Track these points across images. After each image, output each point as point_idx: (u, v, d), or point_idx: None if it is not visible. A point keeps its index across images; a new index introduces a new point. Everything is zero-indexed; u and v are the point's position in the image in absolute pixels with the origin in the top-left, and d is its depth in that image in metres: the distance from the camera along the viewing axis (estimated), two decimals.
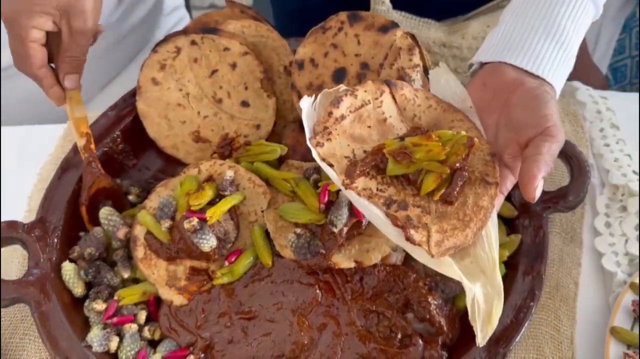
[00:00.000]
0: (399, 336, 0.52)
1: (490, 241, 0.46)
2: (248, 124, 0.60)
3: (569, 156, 0.56)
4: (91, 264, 0.53)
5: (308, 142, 0.46)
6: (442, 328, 0.51)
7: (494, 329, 0.44)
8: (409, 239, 0.43)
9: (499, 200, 0.47)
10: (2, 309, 0.56)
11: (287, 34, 0.62)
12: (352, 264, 0.52)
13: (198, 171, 0.56)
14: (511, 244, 0.55)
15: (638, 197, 0.61)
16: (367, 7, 0.67)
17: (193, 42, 0.58)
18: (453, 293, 0.54)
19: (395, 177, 0.46)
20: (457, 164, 0.45)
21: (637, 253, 0.59)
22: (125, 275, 0.54)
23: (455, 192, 0.45)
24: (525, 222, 0.56)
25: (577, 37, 0.50)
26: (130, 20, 0.85)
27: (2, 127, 0.69)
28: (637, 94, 0.72)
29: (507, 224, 0.56)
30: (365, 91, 0.49)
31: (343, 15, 0.57)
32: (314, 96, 0.49)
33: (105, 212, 0.56)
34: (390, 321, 0.52)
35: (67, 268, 0.53)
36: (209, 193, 0.53)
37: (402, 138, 0.47)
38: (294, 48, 0.60)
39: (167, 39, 0.59)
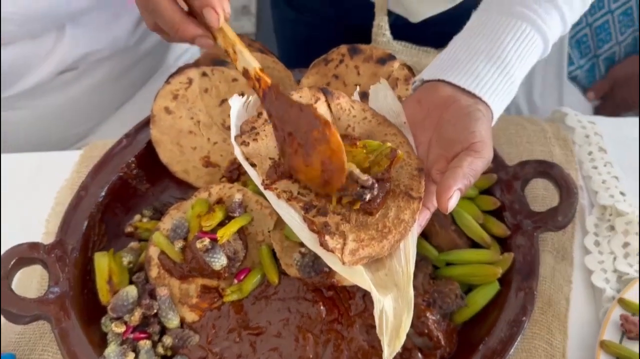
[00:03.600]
0: (400, 350, 0.55)
1: (408, 255, 0.46)
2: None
3: (558, 178, 0.60)
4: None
5: (232, 140, 0.47)
6: (439, 342, 0.54)
7: (402, 344, 0.43)
8: (322, 244, 0.44)
9: (424, 215, 0.47)
10: (22, 327, 0.59)
11: (292, 65, 0.66)
12: (354, 282, 0.55)
13: (208, 194, 0.59)
14: (504, 262, 0.58)
15: (624, 217, 0.64)
16: (368, 38, 0.71)
17: (204, 74, 0.63)
18: (450, 309, 0.56)
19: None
20: (379, 175, 0.46)
21: (625, 270, 0.62)
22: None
23: (376, 204, 0.45)
24: (517, 241, 0.59)
25: (520, 68, 0.51)
26: (145, 45, 0.89)
27: (19, 154, 0.72)
28: (625, 119, 0.76)
29: (501, 243, 0.60)
30: (300, 97, 0.50)
31: (344, 48, 0.61)
32: (246, 95, 0.50)
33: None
34: None
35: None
36: (219, 215, 0.56)
37: None
38: (298, 78, 0.64)
39: (179, 70, 0.63)
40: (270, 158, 0.47)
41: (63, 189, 0.69)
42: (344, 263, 0.43)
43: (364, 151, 0.46)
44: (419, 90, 0.53)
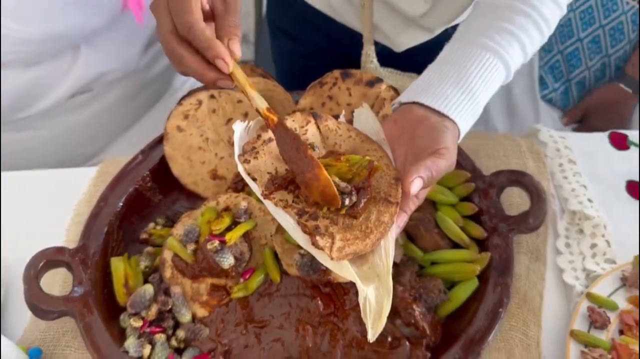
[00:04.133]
0: (389, 339, 0.61)
1: (387, 251, 0.52)
2: None
3: (529, 186, 0.67)
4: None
5: (236, 159, 0.54)
6: (425, 332, 0.60)
7: (383, 326, 0.49)
8: (314, 244, 0.50)
9: (401, 218, 0.54)
10: (45, 325, 0.65)
11: (290, 89, 0.73)
12: (348, 279, 0.61)
13: (217, 203, 0.66)
14: (482, 261, 0.64)
15: (592, 221, 0.72)
16: (358, 65, 0.79)
17: (212, 96, 0.70)
18: (434, 303, 0.63)
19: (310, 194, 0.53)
20: (360, 184, 0.53)
21: (593, 268, 0.69)
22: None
23: (359, 208, 0.52)
24: (494, 242, 0.66)
25: (484, 92, 0.58)
26: (153, 69, 0.97)
27: (39, 170, 0.79)
28: (592, 134, 0.84)
29: (479, 244, 0.66)
30: (293, 121, 0.58)
31: (337, 73, 0.69)
32: (247, 121, 0.57)
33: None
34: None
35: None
36: (227, 220, 0.63)
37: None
38: (297, 99, 0.71)
39: (190, 93, 0.71)
40: (268, 173, 0.55)
41: (81, 202, 0.75)
42: (332, 259, 0.50)
43: (347, 164, 0.53)
44: (396, 111, 0.60)
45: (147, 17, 0.87)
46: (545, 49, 1.12)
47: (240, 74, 0.52)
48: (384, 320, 0.49)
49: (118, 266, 0.65)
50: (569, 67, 1.12)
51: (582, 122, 1.14)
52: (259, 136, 0.56)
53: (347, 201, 0.52)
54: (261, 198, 0.53)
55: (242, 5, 0.54)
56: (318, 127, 0.58)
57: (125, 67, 0.92)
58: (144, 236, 0.69)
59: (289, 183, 0.53)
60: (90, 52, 0.87)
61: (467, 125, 0.57)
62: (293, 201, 0.53)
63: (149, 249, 0.67)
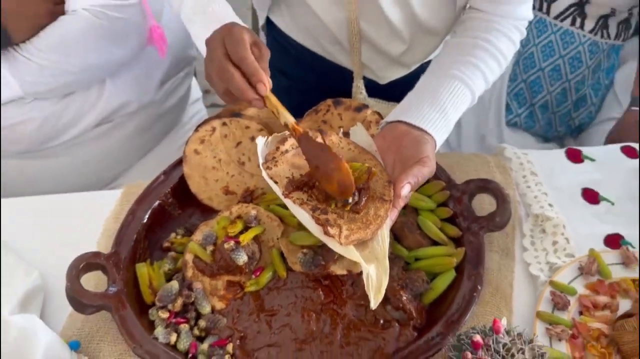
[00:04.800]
0: (382, 321, 0.70)
1: (384, 238, 0.64)
2: (264, 181, 0.82)
3: (495, 191, 0.79)
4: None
5: (260, 166, 0.67)
6: (412, 314, 0.70)
7: (382, 297, 0.61)
8: (326, 232, 0.62)
9: (393, 213, 0.65)
10: (81, 322, 0.74)
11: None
12: (345, 272, 0.72)
13: (230, 212, 0.77)
14: (458, 255, 0.75)
15: (552, 221, 0.83)
16: (348, 97, 0.92)
17: (224, 123, 0.82)
18: (419, 291, 0.73)
19: (321, 194, 0.66)
20: (361, 185, 0.65)
21: (554, 261, 0.80)
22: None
23: (360, 206, 0.64)
24: (467, 239, 0.77)
25: (454, 112, 0.71)
26: (167, 103, 1.10)
27: (71, 194, 0.90)
28: (550, 150, 0.97)
29: (455, 241, 0.77)
30: None
31: (329, 101, 0.82)
32: (266, 136, 0.70)
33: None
34: (375, 311, 0.71)
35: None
36: (240, 225, 0.74)
37: None
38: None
39: (205, 122, 0.83)
40: (286, 177, 0.67)
41: (109, 219, 0.86)
42: (341, 244, 0.62)
43: (350, 169, 0.65)
44: (384, 128, 0.73)
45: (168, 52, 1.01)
46: (510, 79, 1.27)
47: (273, 97, 0.66)
48: (383, 292, 0.61)
49: (142, 270, 0.75)
50: (532, 94, 1.26)
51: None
52: (277, 148, 0.69)
53: (350, 199, 0.64)
54: (282, 197, 0.65)
55: None
56: (324, 141, 0.71)
57: (142, 100, 1.04)
58: (166, 244, 0.80)
59: (303, 185, 0.66)
60: (114, 85, 1.00)
61: (442, 138, 0.70)
62: (307, 199, 0.65)
63: (172, 254, 0.77)
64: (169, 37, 1.02)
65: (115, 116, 1.04)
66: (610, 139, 1.16)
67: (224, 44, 0.64)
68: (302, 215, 0.64)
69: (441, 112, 0.70)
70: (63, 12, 0.92)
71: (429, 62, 0.86)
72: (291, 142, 0.69)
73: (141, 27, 0.98)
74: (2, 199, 0.88)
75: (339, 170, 0.62)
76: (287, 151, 0.69)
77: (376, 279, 0.61)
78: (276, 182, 0.66)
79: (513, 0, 0.78)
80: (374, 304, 0.60)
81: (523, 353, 0.52)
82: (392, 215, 0.66)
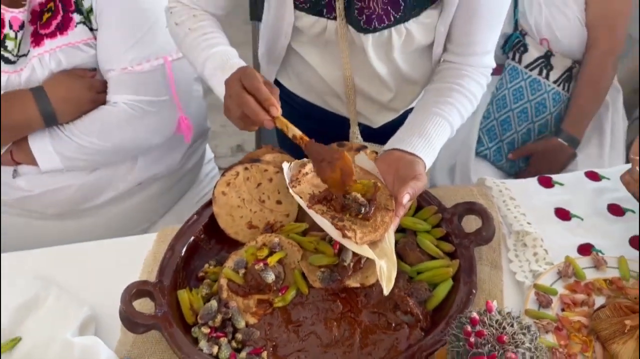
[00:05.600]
0: (393, 324, 0.82)
1: (390, 239, 0.80)
2: (282, 214, 0.96)
3: (479, 210, 0.93)
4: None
5: (287, 185, 0.82)
6: (419, 316, 0.82)
7: (392, 285, 0.75)
8: (344, 235, 0.76)
9: (395, 220, 0.80)
10: (132, 341, 0.84)
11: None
12: (358, 285, 0.84)
13: (256, 242, 0.90)
14: (454, 267, 0.88)
15: (531, 235, 0.97)
16: (347, 140, 1.08)
17: (246, 168, 0.96)
18: (423, 298, 0.85)
19: (338, 206, 0.81)
20: (369, 197, 0.81)
21: (536, 269, 0.93)
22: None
23: (370, 214, 0.80)
24: (460, 252, 0.90)
25: (438, 141, 0.88)
26: (186, 166, 1.24)
27: (113, 239, 1.02)
28: (525, 179, 1.12)
29: (449, 256, 0.90)
30: None
31: (334, 144, 0.97)
32: (290, 162, 0.86)
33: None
34: (387, 316, 0.83)
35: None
36: (266, 250, 0.87)
37: None
38: None
39: (230, 167, 0.97)
40: (308, 193, 0.82)
41: (148, 257, 0.98)
42: (357, 243, 0.76)
43: (360, 185, 0.81)
44: (382, 155, 0.90)
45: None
46: (484, 117, 1.45)
47: (282, 118, 0.82)
48: (393, 281, 0.75)
49: (184, 295, 0.87)
50: (502, 131, 1.44)
51: (528, 163, 1.45)
52: (299, 171, 0.85)
53: (363, 209, 0.79)
54: (306, 209, 0.80)
55: None
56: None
57: (168, 169, 1.19)
58: (201, 274, 0.92)
59: (323, 199, 0.81)
60: (144, 160, 1.15)
61: (430, 161, 0.87)
62: (327, 210, 0.80)
63: (208, 281, 0.89)
64: (192, 119, 1.17)
65: (143, 182, 1.18)
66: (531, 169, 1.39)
67: (240, 80, 0.80)
68: (323, 222, 0.78)
69: (427, 141, 0.87)
70: (104, 102, 1.09)
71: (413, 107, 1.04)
72: (309, 166, 0.85)
73: (171, 118, 1.14)
74: (52, 248, 1.00)
75: (341, 159, 0.78)
76: (307, 173, 0.85)
77: (387, 271, 0.76)
78: (301, 197, 0.81)
79: (478, 53, 0.96)
80: (386, 291, 0.75)
81: (512, 326, 0.64)
82: (395, 221, 0.81)
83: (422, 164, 0.85)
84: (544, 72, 1.42)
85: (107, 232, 1.17)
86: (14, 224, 1.16)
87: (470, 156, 1.45)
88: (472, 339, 0.61)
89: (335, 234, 0.77)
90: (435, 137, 0.87)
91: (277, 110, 0.79)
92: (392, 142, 0.88)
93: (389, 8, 0.88)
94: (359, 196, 0.80)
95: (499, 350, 0.61)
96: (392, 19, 0.90)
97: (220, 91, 0.87)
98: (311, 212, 0.79)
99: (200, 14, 0.97)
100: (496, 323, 0.64)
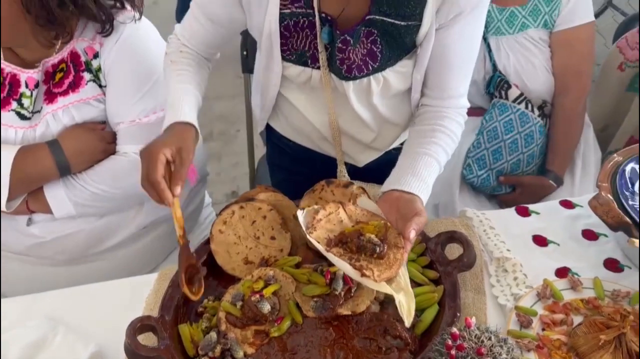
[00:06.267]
0: (384, 349, 0.87)
1: (404, 273, 0.86)
2: (276, 250, 1.02)
3: (460, 239, 0.99)
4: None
5: (305, 231, 0.88)
6: (407, 340, 0.87)
7: (412, 317, 0.82)
8: (363, 275, 0.82)
9: (405, 255, 0.87)
10: None
11: (289, 198, 1.07)
12: (350, 312, 0.89)
13: (252, 276, 0.96)
14: (439, 292, 0.93)
15: (510, 261, 1.03)
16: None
17: (241, 207, 1.03)
18: (412, 323, 0.90)
19: (354, 247, 0.87)
20: (381, 237, 0.88)
21: (517, 292, 0.98)
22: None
23: (383, 253, 0.86)
24: (444, 278, 0.95)
25: (430, 178, 0.96)
26: (188, 209, 1.31)
27: (115, 280, 1.08)
28: (504, 209, 1.19)
29: (434, 282, 0.96)
30: (330, 207, 0.93)
31: (323, 182, 1.04)
32: (304, 210, 0.92)
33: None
34: (377, 341, 0.88)
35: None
36: (261, 283, 0.92)
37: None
38: (297, 204, 1.05)
39: (226, 207, 1.03)
40: (324, 238, 0.89)
41: (149, 296, 1.03)
42: (376, 281, 0.82)
43: (372, 227, 0.89)
44: (382, 197, 0.96)
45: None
46: (475, 146, 1.54)
47: (177, 207, 0.93)
48: (413, 313, 0.82)
49: (184, 329, 0.91)
50: (492, 160, 1.52)
51: (514, 191, 1.55)
52: (313, 218, 0.91)
53: (377, 249, 0.86)
54: (324, 252, 0.86)
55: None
56: (345, 210, 0.94)
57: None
58: (200, 309, 0.97)
59: (338, 242, 0.88)
60: (150, 205, 1.20)
61: (425, 198, 0.95)
62: (344, 253, 0.87)
63: (207, 315, 0.94)
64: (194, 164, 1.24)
65: (148, 225, 1.25)
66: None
67: (147, 161, 0.91)
68: (341, 264, 0.85)
69: (421, 179, 0.95)
70: (114, 152, 1.17)
71: (395, 148, 1.12)
72: (322, 213, 0.92)
73: None
74: (60, 290, 1.05)
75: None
76: (320, 219, 0.91)
77: (406, 304, 0.83)
78: (318, 242, 0.88)
79: (454, 96, 1.05)
80: (408, 323, 0.82)
81: (490, 340, 0.69)
82: (405, 256, 0.88)
83: (419, 200, 0.93)
84: (529, 106, 1.52)
85: (114, 275, 1.21)
86: (23, 271, 1.21)
87: (455, 193, 1.53)
88: (453, 353, 0.67)
89: (354, 274, 0.84)
90: (427, 175, 0.95)
91: (169, 204, 0.91)
92: (389, 184, 0.96)
93: (367, 59, 0.98)
94: (373, 236, 0.87)
95: None
96: (370, 68, 0.99)
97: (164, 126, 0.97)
98: (329, 256, 0.86)
99: (187, 51, 1.07)
100: (475, 337, 0.70)
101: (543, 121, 1.55)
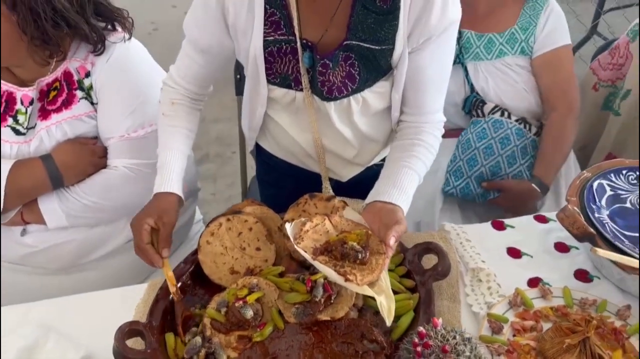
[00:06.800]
0: (361, 352, 0.91)
1: (386, 277, 0.91)
2: (261, 260, 1.06)
3: (436, 249, 1.04)
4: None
5: (293, 242, 0.93)
6: (383, 344, 0.91)
7: (392, 317, 0.87)
8: (347, 279, 0.87)
9: (387, 261, 0.92)
10: None
11: (277, 212, 1.13)
12: (329, 318, 0.94)
13: (236, 284, 1.00)
14: (415, 299, 0.98)
15: (485, 271, 1.08)
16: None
17: (228, 219, 1.08)
18: (387, 329, 0.95)
19: (338, 255, 0.92)
20: (364, 244, 0.93)
21: (490, 301, 1.03)
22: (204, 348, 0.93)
23: (366, 259, 0.91)
24: (420, 287, 1.00)
25: (410, 189, 1.02)
26: (178, 223, 1.34)
27: (107, 289, 1.12)
28: (480, 224, 1.24)
29: (411, 290, 1.01)
30: (316, 219, 0.99)
31: (306, 195, 1.09)
32: (292, 222, 0.97)
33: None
34: (355, 345, 0.92)
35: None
36: (245, 291, 0.97)
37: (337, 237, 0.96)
38: (282, 216, 1.10)
39: (213, 219, 1.08)
40: (311, 247, 0.94)
41: (139, 304, 1.07)
42: (359, 285, 0.87)
43: (355, 235, 0.94)
44: (365, 208, 1.02)
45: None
46: (451, 161, 1.59)
47: (167, 267, 1.01)
48: (393, 313, 0.87)
49: (170, 338, 0.96)
50: (468, 168, 1.57)
51: (500, 196, 1.58)
52: (300, 229, 0.96)
53: (360, 256, 0.91)
54: (311, 261, 0.91)
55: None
56: (330, 221, 1.00)
57: None
58: (186, 313, 1.01)
59: (324, 251, 0.93)
60: None
61: (406, 208, 1.01)
62: (329, 260, 0.92)
63: (193, 329, 0.98)
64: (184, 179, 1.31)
65: None
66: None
67: (139, 230, 1.02)
68: (327, 270, 0.90)
69: (402, 190, 1.02)
70: (105, 166, 1.23)
71: (376, 163, 1.18)
72: (309, 224, 0.97)
73: None
74: (52, 299, 1.09)
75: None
76: (307, 231, 0.97)
77: (386, 304, 0.88)
78: (306, 252, 0.93)
79: (431, 112, 1.11)
80: (388, 322, 0.87)
81: (455, 338, 0.74)
82: (386, 261, 0.93)
83: (400, 210, 0.99)
84: (505, 114, 1.58)
85: (104, 285, 1.25)
86: (18, 280, 1.25)
87: (436, 211, 1.58)
88: (419, 349, 0.71)
89: (338, 279, 0.89)
90: (407, 187, 1.02)
91: (159, 266, 1.01)
92: (372, 196, 1.03)
93: (346, 81, 1.05)
94: (355, 244, 0.93)
95: (443, 358, 0.71)
96: (350, 89, 1.06)
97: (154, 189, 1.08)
98: (316, 263, 0.91)
99: (179, 100, 1.14)
100: (441, 336, 0.74)
101: (522, 125, 1.60)
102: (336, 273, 0.89)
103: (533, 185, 1.56)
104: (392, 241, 0.92)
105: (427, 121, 1.12)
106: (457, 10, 1.01)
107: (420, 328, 0.74)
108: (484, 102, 1.60)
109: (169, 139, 1.12)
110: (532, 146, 1.61)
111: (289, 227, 0.97)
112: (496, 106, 1.60)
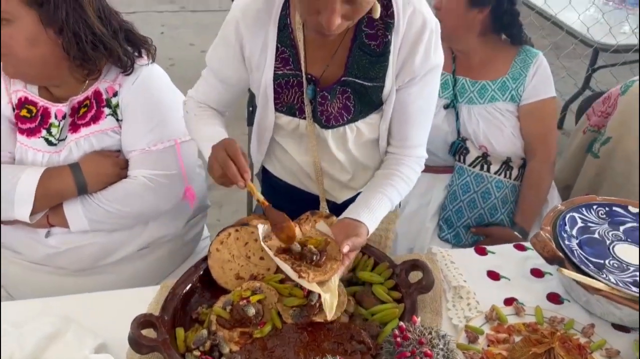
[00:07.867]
0: (349, 351, 1.01)
1: (336, 280, 1.04)
2: (263, 268, 1.18)
3: (421, 265, 1.16)
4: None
5: (261, 242, 1.06)
6: (369, 345, 1.02)
7: (333, 312, 1.01)
8: (300, 276, 1.00)
9: (342, 267, 1.05)
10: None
11: None
12: (322, 320, 1.05)
13: (241, 287, 1.12)
14: (400, 309, 1.09)
15: (465, 289, 1.19)
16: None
17: (237, 230, 1.20)
18: (374, 332, 1.05)
19: (297, 255, 1.05)
20: (321, 249, 1.05)
21: (469, 315, 1.14)
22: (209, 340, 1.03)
23: (321, 262, 1.04)
24: (405, 298, 1.11)
25: (380, 213, 1.15)
26: (188, 236, 1.48)
27: (124, 289, 1.23)
28: (462, 249, 1.36)
29: (397, 301, 1.12)
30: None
31: (308, 213, 1.22)
32: (262, 226, 1.10)
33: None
34: (344, 345, 1.02)
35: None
36: (249, 292, 1.08)
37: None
38: None
39: (223, 229, 1.21)
40: (276, 246, 1.06)
41: (151, 304, 1.18)
42: (309, 282, 0.99)
43: (315, 241, 1.06)
44: (336, 223, 1.15)
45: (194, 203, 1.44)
46: (443, 208, 1.73)
47: (250, 183, 1.06)
48: (334, 310, 1.00)
49: (180, 332, 1.06)
50: (457, 219, 1.71)
51: (486, 240, 1.73)
52: (270, 232, 1.08)
53: (314, 258, 1.02)
54: (273, 257, 1.03)
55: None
56: (300, 229, 1.11)
57: (173, 233, 1.43)
58: (194, 315, 1.12)
59: (285, 251, 1.05)
60: (154, 223, 1.39)
61: (371, 227, 1.13)
62: (288, 258, 1.04)
63: (198, 326, 1.09)
64: (196, 193, 1.44)
65: (152, 244, 1.42)
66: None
67: (224, 148, 1.06)
68: (284, 266, 1.02)
69: (371, 212, 1.14)
70: (126, 175, 1.36)
71: None
72: None
73: (179, 188, 1.41)
74: (73, 296, 1.20)
75: (288, 225, 1.06)
76: None
77: (329, 301, 1.00)
78: (270, 249, 1.05)
79: (413, 146, 1.25)
80: (329, 317, 1.00)
81: (430, 334, 0.85)
82: (341, 268, 1.05)
83: (364, 227, 1.12)
84: (485, 167, 1.72)
85: (120, 288, 1.37)
86: (38, 279, 1.36)
87: (426, 238, 1.71)
88: (398, 340, 0.83)
89: (293, 275, 1.01)
90: (377, 209, 1.15)
91: (248, 176, 1.06)
92: (345, 213, 1.16)
93: (342, 111, 1.19)
94: (312, 248, 1.06)
95: (419, 348, 0.82)
96: (345, 119, 1.20)
97: (207, 154, 1.14)
98: (276, 259, 1.04)
99: (204, 106, 1.29)
100: (418, 331, 0.86)
101: (502, 175, 1.75)
102: (292, 270, 1.02)
103: (515, 232, 1.70)
104: (345, 249, 1.04)
105: (409, 154, 1.25)
106: (440, 56, 1.17)
107: (401, 323, 0.85)
108: (467, 151, 1.75)
109: (209, 124, 1.24)
110: (512, 191, 1.75)
111: (260, 228, 1.10)
112: (477, 158, 1.75)
